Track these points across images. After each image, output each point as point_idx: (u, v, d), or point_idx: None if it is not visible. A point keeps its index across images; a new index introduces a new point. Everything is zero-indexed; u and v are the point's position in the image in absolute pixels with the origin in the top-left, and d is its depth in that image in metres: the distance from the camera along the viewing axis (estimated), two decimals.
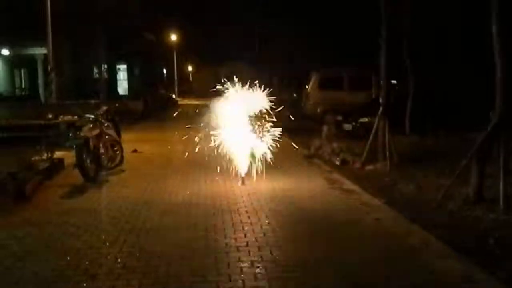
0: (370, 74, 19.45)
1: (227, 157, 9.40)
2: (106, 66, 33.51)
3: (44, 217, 7.42)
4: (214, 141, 9.28)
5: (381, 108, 11.17)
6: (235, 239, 6.31)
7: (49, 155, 10.93)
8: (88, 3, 22.12)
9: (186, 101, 48.13)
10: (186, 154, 10.16)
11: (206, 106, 9.40)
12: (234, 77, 9.49)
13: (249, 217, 7.26)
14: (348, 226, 6.88)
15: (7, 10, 23.87)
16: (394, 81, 14.37)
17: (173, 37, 58.86)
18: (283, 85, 33.93)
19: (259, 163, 9.39)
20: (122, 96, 35.94)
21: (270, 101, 9.40)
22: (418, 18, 14.34)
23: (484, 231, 6.37)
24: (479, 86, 10.32)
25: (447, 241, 5.90)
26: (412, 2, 13.67)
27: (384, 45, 11.27)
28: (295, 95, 29.23)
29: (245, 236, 6.41)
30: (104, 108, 11.35)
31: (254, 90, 9.38)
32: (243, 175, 9.44)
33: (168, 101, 41.46)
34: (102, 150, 10.40)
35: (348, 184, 9.43)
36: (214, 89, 9.56)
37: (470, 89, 15.14)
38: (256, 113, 9.43)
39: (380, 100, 11.37)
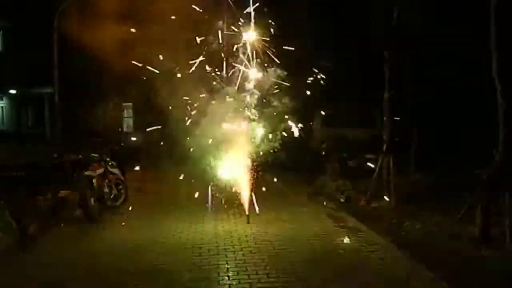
0: (375, 110, 19.42)
1: (232, 195, 9.41)
2: (111, 104, 33.65)
3: (46, 260, 7.37)
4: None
5: (385, 146, 11.14)
6: (239, 280, 6.24)
7: (53, 194, 10.88)
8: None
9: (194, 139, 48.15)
10: (192, 193, 10.17)
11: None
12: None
13: (253, 257, 7.19)
14: (354, 267, 6.78)
15: (16, 50, 24.19)
16: (397, 118, 14.38)
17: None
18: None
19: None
20: (127, 134, 36.00)
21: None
22: (422, 57, 14.47)
23: (492, 271, 6.27)
24: (484, 122, 10.33)
25: (453, 283, 5.80)
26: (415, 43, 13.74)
27: (387, 83, 11.32)
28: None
29: (248, 277, 6.34)
30: (109, 146, 11.39)
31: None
32: (247, 213, 9.40)
33: (174, 139, 41.47)
34: (106, 189, 10.41)
35: (353, 223, 9.33)
36: None
37: (475, 125, 15.09)
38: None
39: (384, 137, 11.35)
